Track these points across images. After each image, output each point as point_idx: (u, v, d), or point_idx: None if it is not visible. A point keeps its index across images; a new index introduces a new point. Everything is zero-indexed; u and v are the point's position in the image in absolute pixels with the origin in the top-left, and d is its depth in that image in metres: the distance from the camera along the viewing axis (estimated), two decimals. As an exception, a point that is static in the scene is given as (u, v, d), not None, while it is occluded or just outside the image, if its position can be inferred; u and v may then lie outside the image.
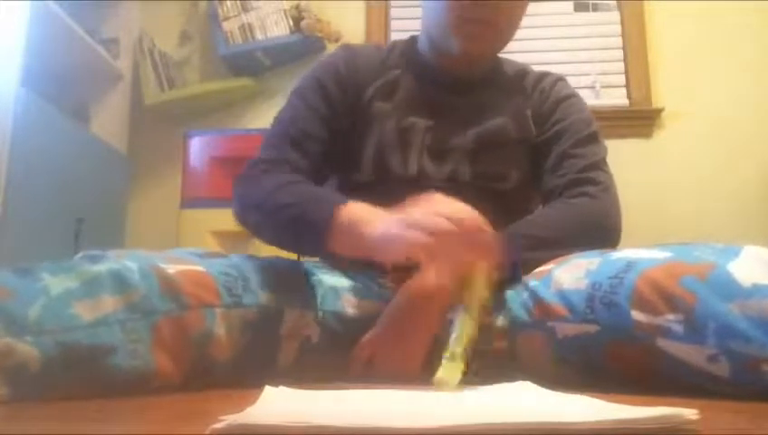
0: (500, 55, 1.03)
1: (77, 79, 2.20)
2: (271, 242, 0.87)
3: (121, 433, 0.44)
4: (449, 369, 0.59)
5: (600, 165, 0.91)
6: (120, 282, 0.63)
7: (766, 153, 2.21)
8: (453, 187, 0.89)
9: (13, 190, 1.60)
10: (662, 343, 0.59)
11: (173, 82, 2.35)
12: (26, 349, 0.56)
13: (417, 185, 0.89)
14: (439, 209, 0.66)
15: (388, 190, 0.89)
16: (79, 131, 2.04)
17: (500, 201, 0.90)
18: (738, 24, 2.32)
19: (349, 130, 0.93)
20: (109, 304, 0.62)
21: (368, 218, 0.72)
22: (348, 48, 1.01)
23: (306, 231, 0.77)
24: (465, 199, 0.89)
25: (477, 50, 0.93)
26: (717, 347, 0.56)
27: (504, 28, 0.93)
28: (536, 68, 1.05)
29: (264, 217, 0.84)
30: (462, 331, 0.62)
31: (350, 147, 0.93)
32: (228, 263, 0.75)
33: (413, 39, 1.03)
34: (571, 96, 0.99)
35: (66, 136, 1.89)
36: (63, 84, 2.14)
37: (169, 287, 0.66)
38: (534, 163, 0.94)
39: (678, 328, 0.58)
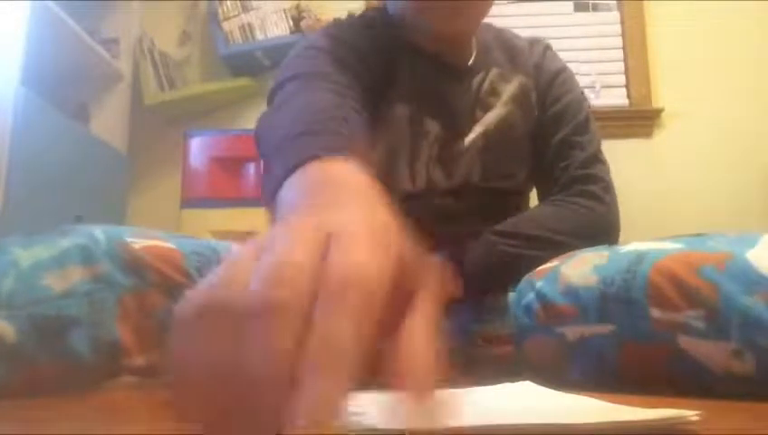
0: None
1: (77, 79, 2.19)
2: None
3: (120, 433, 0.44)
4: None
5: (598, 156, 0.88)
6: (86, 255, 0.63)
7: (767, 153, 2.21)
8: (461, 193, 0.85)
9: (12, 190, 1.59)
10: (683, 340, 0.55)
11: (173, 82, 2.35)
12: (1, 324, 0.56)
13: (426, 199, 0.84)
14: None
15: (396, 201, 0.87)
16: (79, 131, 2.04)
17: (508, 200, 0.89)
18: (738, 23, 2.32)
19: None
20: (76, 274, 0.61)
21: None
22: (339, 25, 0.87)
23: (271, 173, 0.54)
24: (475, 204, 0.85)
25: (451, 28, 0.86)
26: (742, 342, 0.52)
27: (480, 5, 0.86)
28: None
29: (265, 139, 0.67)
30: None
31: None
32: (206, 244, 0.73)
33: (383, 11, 0.91)
34: (564, 68, 0.94)
35: (66, 136, 1.89)
36: (63, 84, 2.14)
37: (133, 262, 0.65)
38: (535, 148, 0.90)
39: (700, 324, 0.54)
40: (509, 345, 0.71)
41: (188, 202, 2.04)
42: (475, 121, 0.88)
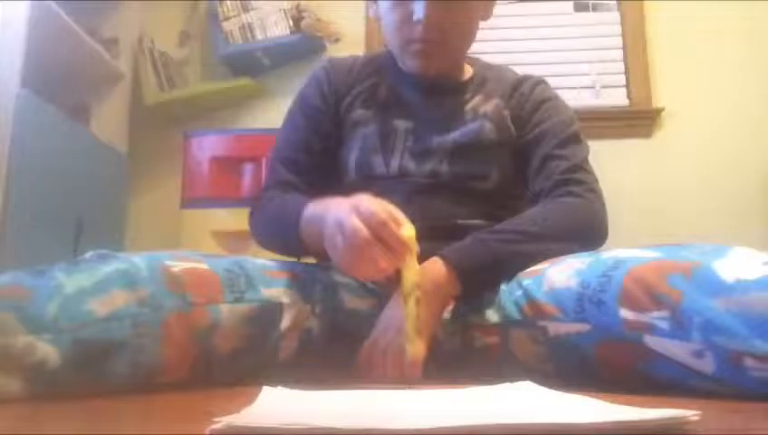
0: (478, 58, 1.08)
1: (77, 79, 2.19)
2: (279, 253, 0.95)
3: (121, 433, 0.44)
4: (416, 347, 0.68)
5: (583, 165, 0.94)
6: (129, 279, 0.65)
7: (766, 153, 2.21)
8: (434, 184, 0.93)
9: (13, 190, 1.59)
10: (649, 340, 0.61)
11: (173, 82, 2.35)
12: (46, 347, 0.57)
13: (400, 182, 0.93)
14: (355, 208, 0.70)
15: (372, 189, 0.92)
16: (79, 131, 2.04)
17: (482, 200, 0.94)
18: (738, 24, 2.32)
19: (335, 138, 0.99)
20: (120, 299, 0.63)
21: (322, 209, 0.78)
22: (329, 62, 1.07)
23: (289, 235, 0.86)
24: (446, 197, 0.93)
25: (432, 67, 0.96)
26: (702, 343, 0.57)
27: (456, 43, 0.97)
28: (532, 68, 1.08)
29: (266, 234, 0.97)
30: (410, 318, 0.68)
31: (337, 153, 0.98)
32: (231, 261, 0.78)
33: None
34: (552, 98, 1.01)
35: (66, 136, 1.89)
36: (63, 84, 2.14)
37: (176, 285, 0.68)
38: (518, 165, 0.97)
39: (664, 325, 0.59)
40: (496, 336, 0.77)
41: (188, 202, 2.05)
42: (450, 129, 0.96)
